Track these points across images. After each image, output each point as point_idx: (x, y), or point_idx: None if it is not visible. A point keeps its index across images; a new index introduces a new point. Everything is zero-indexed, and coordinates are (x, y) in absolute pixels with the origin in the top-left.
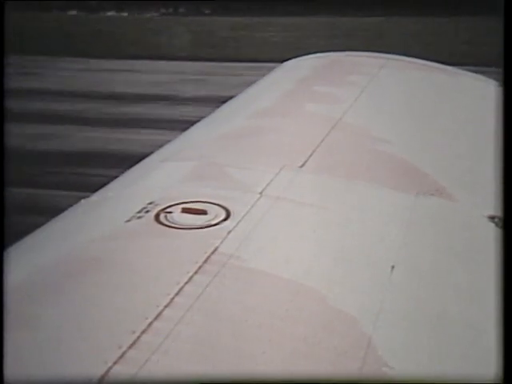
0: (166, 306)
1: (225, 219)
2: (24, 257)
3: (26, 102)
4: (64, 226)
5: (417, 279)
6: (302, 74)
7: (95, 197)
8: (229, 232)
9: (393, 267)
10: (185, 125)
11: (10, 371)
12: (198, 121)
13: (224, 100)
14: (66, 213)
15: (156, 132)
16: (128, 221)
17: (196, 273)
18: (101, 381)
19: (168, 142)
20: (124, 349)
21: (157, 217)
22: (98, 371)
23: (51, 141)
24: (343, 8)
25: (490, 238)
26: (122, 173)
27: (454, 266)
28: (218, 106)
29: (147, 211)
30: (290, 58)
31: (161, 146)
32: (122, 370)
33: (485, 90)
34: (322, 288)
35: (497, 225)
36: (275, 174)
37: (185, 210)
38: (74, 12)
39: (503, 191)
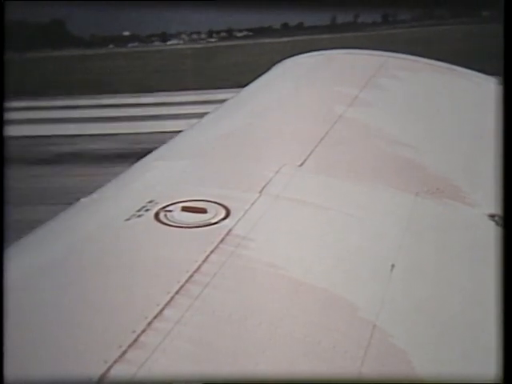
0: (166, 305)
1: (224, 218)
2: (24, 256)
3: None
4: (64, 225)
5: (417, 278)
6: (301, 72)
7: (95, 195)
8: (229, 231)
9: (393, 266)
10: None
11: (10, 371)
12: None
13: None
14: (65, 212)
15: None
16: (128, 219)
17: (196, 272)
18: (101, 380)
19: None
20: (124, 348)
21: (157, 215)
22: (98, 370)
23: None
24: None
25: (491, 236)
26: None
27: (455, 264)
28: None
29: (147, 210)
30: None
31: None
32: (121, 370)
33: (485, 88)
34: (322, 287)
35: (497, 223)
36: (275, 172)
37: (185, 209)
38: (134, 44)
39: (503, 190)
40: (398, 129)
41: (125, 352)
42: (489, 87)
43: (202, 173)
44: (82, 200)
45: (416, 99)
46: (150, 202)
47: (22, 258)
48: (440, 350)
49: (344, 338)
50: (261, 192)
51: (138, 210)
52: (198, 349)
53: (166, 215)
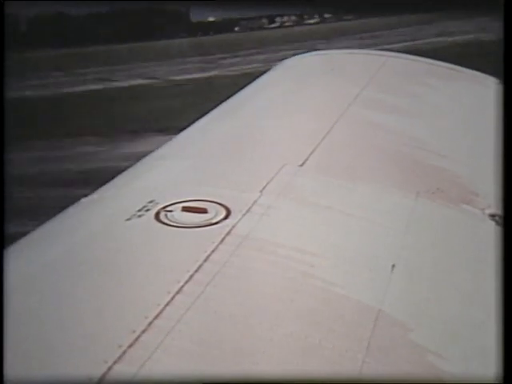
0: (166, 305)
1: (225, 218)
2: (24, 256)
3: None
4: (64, 224)
5: (417, 278)
6: (301, 72)
7: (95, 195)
8: (229, 231)
9: (393, 266)
10: None
11: (10, 371)
12: None
13: None
14: (66, 211)
15: None
16: (128, 219)
17: (196, 271)
18: (101, 380)
19: None
20: (124, 348)
21: (157, 215)
22: (98, 370)
23: None
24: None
25: (491, 236)
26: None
27: (455, 264)
28: None
29: (147, 210)
30: None
31: None
32: (122, 369)
33: (484, 88)
34: (323, 287)
35: (497, 223)
36: (275, 172)
37: (185, 209)
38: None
39: (503, 189)
40: (398, 128)
41: (125, 352)
42: (489, 87)
43: (203, 173)
44: (83, 200)
45: (416, 98)
46: (150, 201)
47: (22, 257)
48: (440, 350)
49: (344, 338)
50: (261, 192)
51: (139, 210)
52: (198, 348)
53: (166, 215)
